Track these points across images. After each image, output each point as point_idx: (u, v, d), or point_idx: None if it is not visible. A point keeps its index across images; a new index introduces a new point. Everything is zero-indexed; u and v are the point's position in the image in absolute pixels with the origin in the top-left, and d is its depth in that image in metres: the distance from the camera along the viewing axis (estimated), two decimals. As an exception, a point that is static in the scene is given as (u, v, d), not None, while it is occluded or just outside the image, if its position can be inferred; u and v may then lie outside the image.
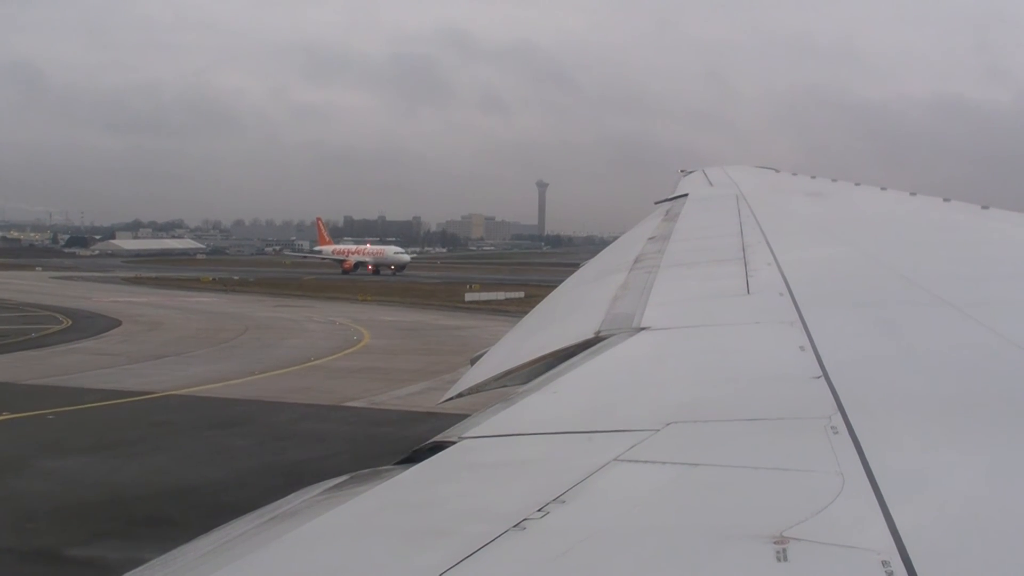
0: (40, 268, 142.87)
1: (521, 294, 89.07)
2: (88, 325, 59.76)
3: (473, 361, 9.78)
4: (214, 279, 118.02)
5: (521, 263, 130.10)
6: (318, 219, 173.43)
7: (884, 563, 2.37)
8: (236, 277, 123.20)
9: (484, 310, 77.19)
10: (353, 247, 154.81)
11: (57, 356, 45.00)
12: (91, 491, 21.06)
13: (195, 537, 3.35)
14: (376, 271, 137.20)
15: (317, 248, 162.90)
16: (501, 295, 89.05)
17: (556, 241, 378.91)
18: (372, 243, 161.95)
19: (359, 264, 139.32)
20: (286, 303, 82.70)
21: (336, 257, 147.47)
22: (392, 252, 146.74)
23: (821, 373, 4.37)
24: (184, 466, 23.59)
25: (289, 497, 3.68)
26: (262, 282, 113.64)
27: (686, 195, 18.28)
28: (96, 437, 27.14)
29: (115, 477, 22.42)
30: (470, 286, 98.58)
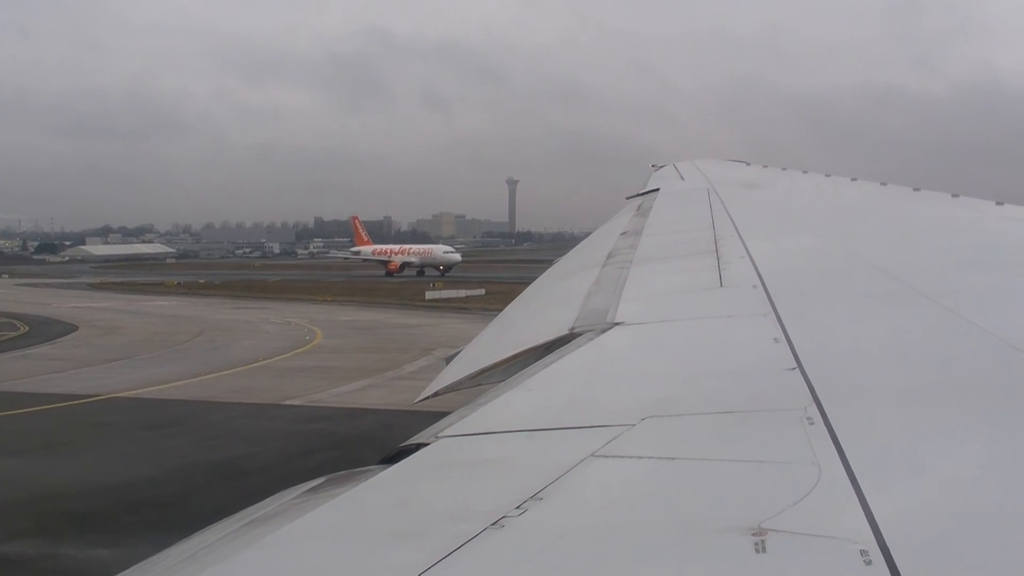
0: (7, 276, 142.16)
1: (482, 291, 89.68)
2: (44, 331, 60.15)
3: (448, 360, 9.79)
4: (179, 283, 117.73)
5: (489, 260, 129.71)
6: (354, 218, 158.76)
7: (862, 552, 2.41)
8: (202, 280, 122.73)
9: (443, 308, 77.77)
10: (396, 247, 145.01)
11: (9, 362, 45.56)
12: (14, 490, 21.74)
13: (168, 543, 3.43)
14: (421, 272, 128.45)
15: (355, 249, 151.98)
16: (462, 293, 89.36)
17: (526, 238, 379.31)
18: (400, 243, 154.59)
19: (405, 265, 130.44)
20: (246, 305, 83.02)
21: (379, 258, 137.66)
22: (441, 252, 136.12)
23: (796, 365, 4.42)
24: (113, 465, 24.43)
25: (267, 500, 3.73)
26: (227, 285, 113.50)
27: (657, 190, 18.43)
28: (32, 439, 27.89)
29: (42, 477, 23.11)
30: (433, 284, 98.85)
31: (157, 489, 21.98)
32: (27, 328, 62.46)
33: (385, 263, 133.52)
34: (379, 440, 26.98)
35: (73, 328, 62.10)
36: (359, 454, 24.91)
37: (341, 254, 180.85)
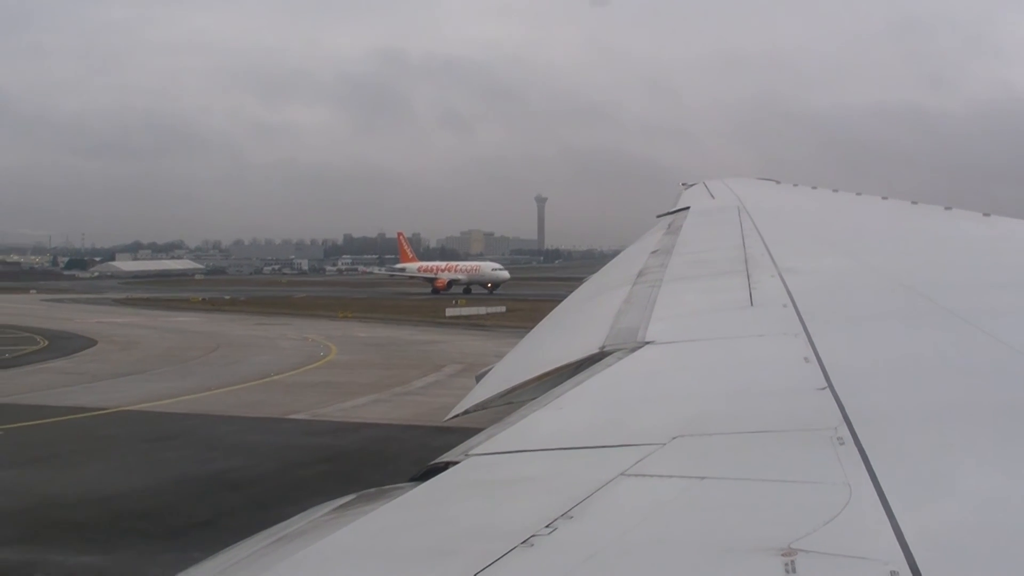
0: (35, 291, 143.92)
1: (503, 308, 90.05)
2: (63, 345, 60.80)
3: (479, 378, 9.85)
4: (203, 299, 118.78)
5: (518, 278, 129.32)
6: (399, 233, 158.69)
7: (892, 573, 2.40)
8: (227, 296, 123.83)
9: (462, 325, 78.15)
10: (443, 264, 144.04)
11: (25, 375, 46.07)
12: (7, 500, 22.16)
13: (197, 559, 3.41)
14: (468, 290, 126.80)
15: (400, 266, 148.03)
16: (483, 310, 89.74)
17: (555, 255, 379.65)
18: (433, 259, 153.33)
19: (452, 282, 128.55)
20: (266, 321, 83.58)
21: (425, 275, 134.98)
22: (489, 269, 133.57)
23: (826, 384, 4.40)
24: (112, 476, 24.68)
25: (296, 517, 3.73)
26: (251, 301, 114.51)
27: (688, 208, 18.38)
28: (37, 450, 28.24)
29: (37, 487, 23.46)
30: (455, 301, 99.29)
31: (148, 499, 22.21)
32: (47, 342, 63.26)
33: (431, 280, 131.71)
34: (373, 454, 27.41)
35: (92, 343, 62.79)
36: (349, 467, 25.45)
37: (381, 270, 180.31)
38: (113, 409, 35.47)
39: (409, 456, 26.26)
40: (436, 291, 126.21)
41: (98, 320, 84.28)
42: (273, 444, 29.42)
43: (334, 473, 24.85)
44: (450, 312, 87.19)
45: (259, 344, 61.90)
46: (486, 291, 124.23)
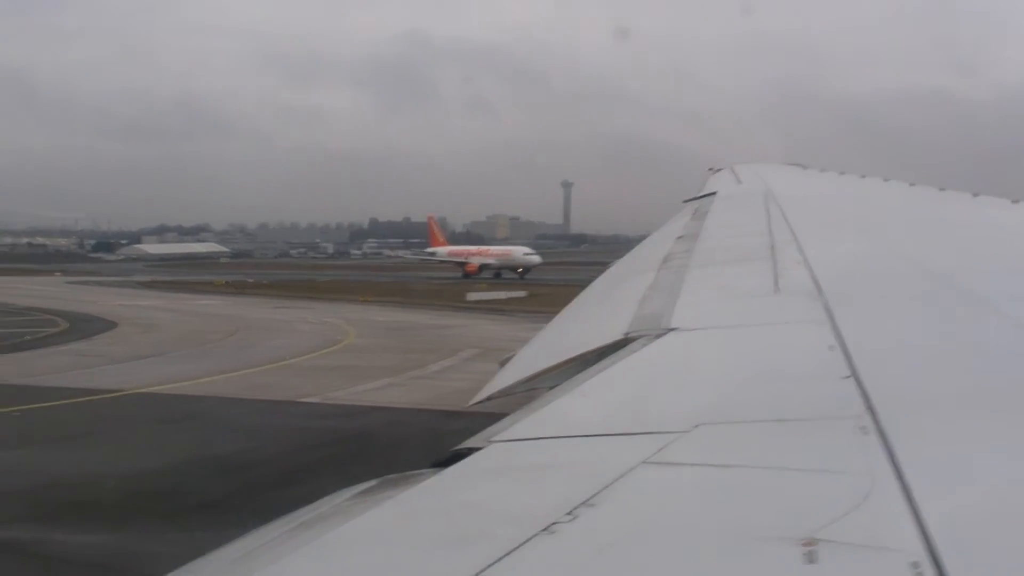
0: (60, 273, 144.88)
1: (523, 293, 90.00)
2: (84, 328, 61.08)
3: (503, 364, 9.85)
4: (227, 282, 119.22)
5: (543, 263, 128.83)
6: (430, 217, 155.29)
7: (914, 564, 2.40)
8: (250, 280, 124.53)
9: (482, 309, 78.04)
10: (473, 248, 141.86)
11: (43, 358, 46.37)
12: (16, 479, 22.31)
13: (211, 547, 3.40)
14: (498, 274, 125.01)
15: (430, 250, 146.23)
16: (503, 294, 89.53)
17: (580, 240, 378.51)
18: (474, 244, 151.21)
19: (483, 267, 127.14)
20: (288, 304, 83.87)
21: (455, 259, 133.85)
22: (521, 253, 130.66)
23: (850, 372, 4.38)
24: (119, 457, 24.92)
25: (318, 502, 3.74)
26: (274, 284, 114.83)
27: (714, 193, 18.37)
28: (50, 431, 28.48)
29: (48, 467, 23.63)
30: (477, 285, 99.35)
31: (155, 480, 22.38)
32: (67, 325, 63.49)
33: (462, 264, 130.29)
34: (380, 437, 27.46)
35: (112, 325, 63.12)
36: (353, 450, 25.59)
37: (409, 255, 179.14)
38: (128, 391, 35.65)
39: (415, 440, 26.41)
40: (467, 275, 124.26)
41: (120, 303, 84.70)
42: (282, 427, 29.59)
43: (338, 456, 24.87)
44: (471, 296, 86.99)
45: (277, 328, 62.06)
46: (516, 276, 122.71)
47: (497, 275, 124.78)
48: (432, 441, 26.50)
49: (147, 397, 34.86)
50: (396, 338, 56.06)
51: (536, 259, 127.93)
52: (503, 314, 72.90)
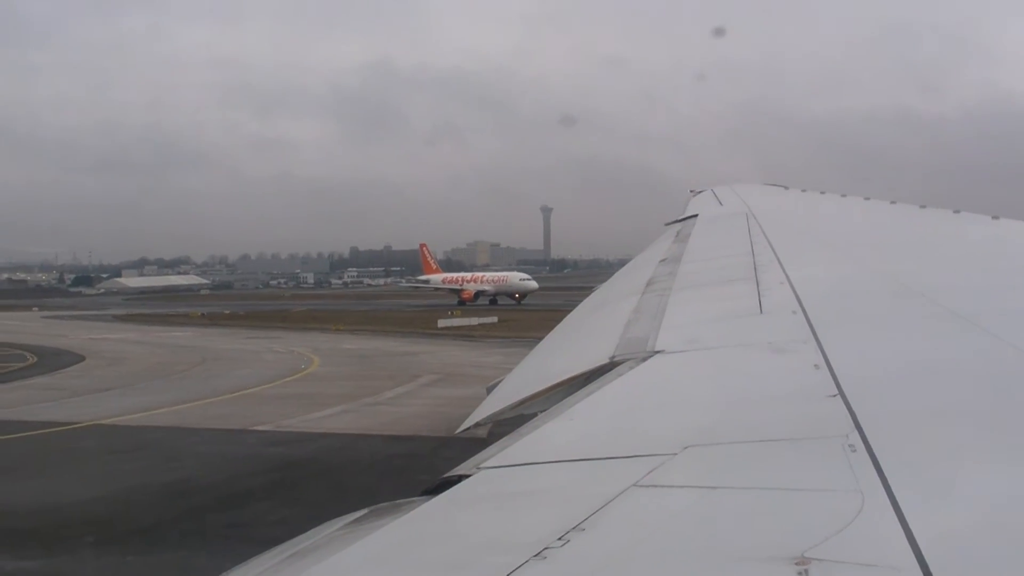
0: (37, 308, 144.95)
1: (494, 319, 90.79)
2: (51, 362, 61.70)
3: (489, 390, 9.84)
4: (203, 314, 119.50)
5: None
6: (422, 245, 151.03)
7: None
8: (227, 311, 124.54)
9: (451, 336, 78.71)
10: (468, 275, 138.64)
11: (6, 392, 46.91)
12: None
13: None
14: (494, 301, 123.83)
15: (423, 277, 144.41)
16: (475, 320, 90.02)
17: (560, 265, 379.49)
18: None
19: (479, 293, 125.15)
20: (258, 335, 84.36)
21: (450, 286, 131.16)
22: (517, 279, 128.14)
23: (837, 391, 4.40)
24: (65, 487, 25.43)
25: (309, 532, 3.78)
26: (250, 315, 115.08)
27: (696, 215, 18.62)
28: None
29: (-6, 498, 24.28)
30: (451, 312, 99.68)
31: (96, 508, 22.97)
32: (35, 359, 64.12)
33: (458, 292, 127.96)
34: (323, 462, 28.18)
35: (80, 359, 63.69)
36: (295, 476, 26.24)
37: (403, 283, 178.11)
38: (85, 423, 36.23)
39: (356, 465, 27.28)
40: (462, 302, 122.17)
41: (90, 336, 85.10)
42: (230, 455, 30.09)
43: (281, 481, 25.61)
44: (442, 323, 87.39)
45: (243, 358, 62.61)
46: (514, 302, 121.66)
47: (493, 301, 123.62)
48: (373, 464, 27.28)
49: (102, 428, 35.39)
50: (358, 366, 56.68)
51: (533, 285, 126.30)
52: (471, 340, 73.78)
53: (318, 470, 27.08)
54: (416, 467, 25.47)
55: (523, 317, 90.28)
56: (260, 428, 34.68)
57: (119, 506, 23.33)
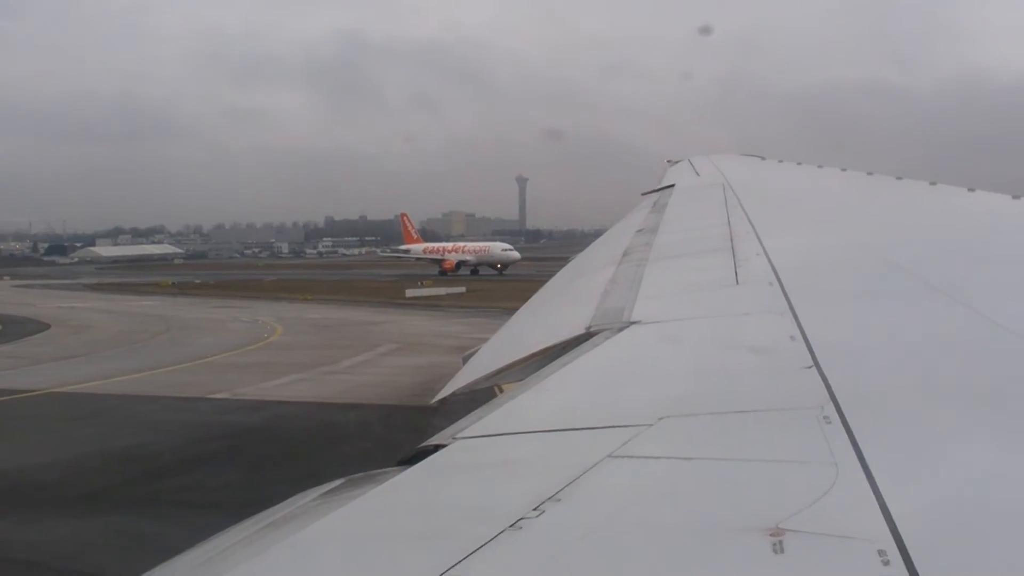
0: (8, 277, 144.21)
1: (463, 289, 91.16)
2: (16, 330, 61.85)
3: (465, 360, 9.84)
4: (173, 283, 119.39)
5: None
6: (403, 215, 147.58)
7: (880, 552, 2.41)
8: (197, 280, 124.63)
9: (418, 305, 79.14)
10: (450, 245, 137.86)
11: (-32, 360, 47.24)
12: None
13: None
14: (476, 271, 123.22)
15: (404, 247, 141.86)
16: (443, 291, 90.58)
17: (536, 236, 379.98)
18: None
19: (460, 263, 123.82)
20: (227, 304, 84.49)
21: (431, 256, 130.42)
22: (499, 249, 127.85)
23: (812, 363, 4.40)
24: (17, 453, 26.00)
25: (284, 503, 3.76)
26: (220, 285, 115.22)
27: (672, 185, 18.62)
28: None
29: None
30: (421, 282, 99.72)
31: (45, 472, 23.59)
32: (0, 327, 64.28)
33: (439, 262, 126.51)
34: (274, 429, 28.98)
35: (45, 327, 63.99)
36: (245, 442, 26.87)
37: (387, 251, 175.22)
38: (45, 391, 36.71)
39: (306, 432, 27.97)
40: (443, 273, 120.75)
41: (57, 305, 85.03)
42: (184, 422, 30.74)
43: (231, 448, 26.38)
44: (410, 293, 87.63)
45: (207, 327, 62.96)
46: (496, 272, 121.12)
47: (474, 272, 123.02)
48: (327, 431, 27.91)
49: (59, 396, 35.88)
50: (320, 335, 57.18)
51: (516, 255, 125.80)
52: (438, 309, 74.44)
53: (268, 437, 27.84)
54: (366, 434, 26.14)
55: (492, 287, 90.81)
56: (215, 396, 35.22)
57: (68, 471, 23.90)
